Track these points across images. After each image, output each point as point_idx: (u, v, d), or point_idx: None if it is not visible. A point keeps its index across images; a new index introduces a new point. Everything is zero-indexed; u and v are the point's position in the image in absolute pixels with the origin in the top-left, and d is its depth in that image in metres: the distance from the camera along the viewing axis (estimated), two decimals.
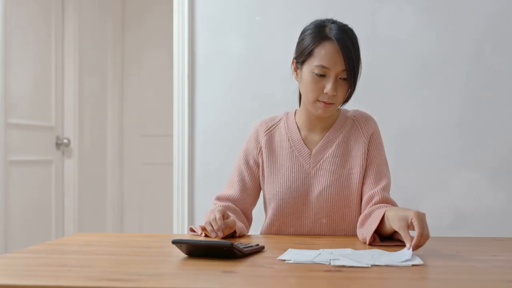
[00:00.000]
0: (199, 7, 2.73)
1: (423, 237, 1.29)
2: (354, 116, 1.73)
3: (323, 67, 1.57)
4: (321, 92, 1.59)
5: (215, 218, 1.48)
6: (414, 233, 1.32)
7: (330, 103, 1.60)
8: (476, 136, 2.55)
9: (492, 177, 2.54)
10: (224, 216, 1.51)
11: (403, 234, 1.34)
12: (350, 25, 1.64)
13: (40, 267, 1.20)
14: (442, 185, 2.56)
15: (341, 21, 1.64)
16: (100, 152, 4.16)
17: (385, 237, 1.48)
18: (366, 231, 1.49)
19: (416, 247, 1.29)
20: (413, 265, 1.18)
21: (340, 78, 1.58)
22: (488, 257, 1.31)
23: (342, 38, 1.57)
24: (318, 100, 1.60)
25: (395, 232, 1.44)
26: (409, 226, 1.34)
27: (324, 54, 1.57)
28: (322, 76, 1.58)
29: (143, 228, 4.29)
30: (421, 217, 1.32)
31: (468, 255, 1.34)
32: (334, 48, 1.57)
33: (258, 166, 1.74)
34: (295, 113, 1.77)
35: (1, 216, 3.08)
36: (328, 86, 1.57)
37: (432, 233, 1.54)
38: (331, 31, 1.58)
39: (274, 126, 1.76)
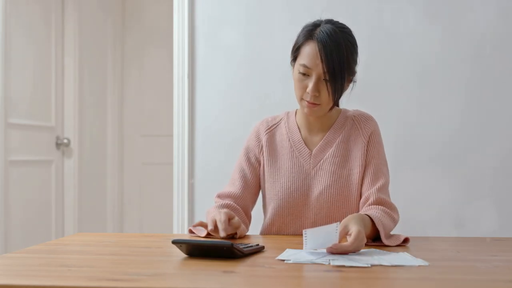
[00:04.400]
0: (199, 7, 2.73)
1: (347, 249, 1.27)
2: (354, 116, 1.73)
3: (305, 66, 1.58)
4: (304, 91, 1.60)
5: (221, 220, 1.48)
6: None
7: (313, 103, 1.60)
8: (476, 136, 2.55)
9: (492, 177, 2.54)
10: (230, 218, 1.51)
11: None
12: (348, 25, 1.64)
13: (40, 267, 1.20)
14: (442, 185, 2.55)
15: (339, 22, 1.64)
16: (100, 152, 4.16)
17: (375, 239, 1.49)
18: None
19: (334, 249, 1.26)
20: (409, 265, 1.18)
21: (324, 79, 1.58)
22: (488, 257, 1.31)
23: (324, 41, 1.56)
24: (303, 99, 1.61)
25: (378, 233, 1.46)
26: (346, 234, 1.33)
27: (307, 54, 1.58)
28: (306, 75, 1.59)
29: (143, 228, 4.29)
30: (358, 237, 1.29)
31: (468, 255, 1.34)
32: (315, 49, 1.57)
33: (260, 164, 1.74)
34: (295, 113, 1.77)
35: (1, 216, 3.07)
36: (310, 86, 1.58)
37: (433, 233, 1.54)
38: (320, 32, 1.58)
39: (275, 125, 1.76)
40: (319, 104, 1.60)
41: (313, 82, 1.57)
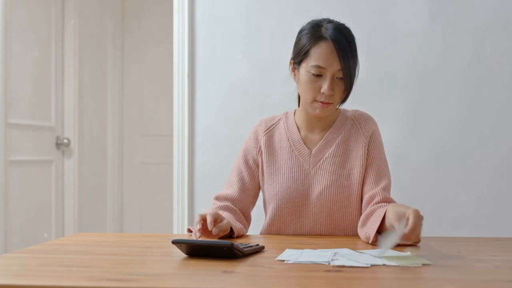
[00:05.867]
0: (199, 7, 2.73)
1: (414, 233, 1.31)
2: (353, 116, 1.73)
3: (319, 67, 1.57)
4: (318, 92, 1.59)
5: (209, 221, 1.45)
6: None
7: (327, 103, 1.60)
8: (476, 135, 2.55)
9: (492, 177, 2.54)
10: (217, 221, 1.49)
11: (396, 225, 1.36)
12: (348, 25, 1.64)
13: (40, 267, 1.20)
14: (442, 185, 2.56)
15: (338, 21, 1.64)
16: (100, 152, 4.16)
17: None
18: (368, 230, 1.49)
19: (404, 238, 1.30)
20: (413, 266, 1.18)
21: (336, 78, 1.58)
22: (488, 257, 1.31)
23: (337, 38, 1.56)
24: (316, 100, 1.61)
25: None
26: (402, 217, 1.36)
27: (319, 54, 1.57)
28: (319, 76, 1.58)
29: (143, 228, 4.29)
30: (418, 215, 1.34)
31: (468, 255, 1.34)
32: (330, 48, 1.57)
33: (258, 166, 1.74)
34: (294, 113, 1.77)
35: (1, 216, 3.07)
36: (325, 86, 1.57)
37: (433, 233, 1.54)
38: (327, 31, 1.58)
39: (273, 126, 1.76)
40: (332, 103, 1.61)
41: (328, 81, 1.57)
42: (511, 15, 2.55)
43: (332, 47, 1.56)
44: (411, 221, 1.32)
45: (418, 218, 1.33)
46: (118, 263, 1.25)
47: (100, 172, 4.15)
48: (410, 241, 1.34)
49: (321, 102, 1.60)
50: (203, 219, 1.47)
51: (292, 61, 1.67)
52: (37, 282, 1.04)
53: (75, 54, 3.78)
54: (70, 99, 3.78)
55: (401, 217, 1.36)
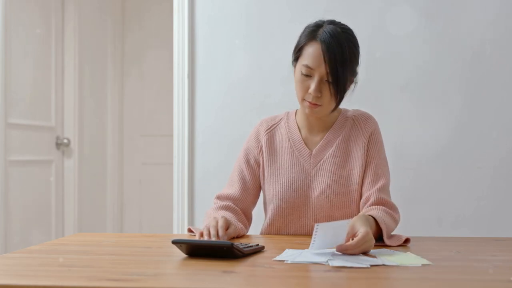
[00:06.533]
0: (199, 7, 2.73)
1: (349, 250, 1.27)
2: (354, 116, 1.72)
3: (308, 67, 1.58)
4: (306, 92, 1.60)
5: (218, 233, 1.46)
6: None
7: (315, 104, 1.59)
8: (476, 135, 2.55)
9: (492, 177, 2.54)
10: (226, 226, 1.50)
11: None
12: (351, 27, 1.64)
13: (40, 267, 1.20)
14: (442, 185, 2.56)
15: (342, 23, 1.64)
16: (100, 152, 4.16)
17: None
18: None
19: (341, 249, 1.27)
20: (413, 266, 1.18)
21: (326, 80, 1.58)
22: (488, 257, 1.31)
23: (328, 41, 1.56)
24: (305, 100, 1.61)
25: (381, 234, 1.45)
26: (354, 235, 1.32)
27: (309, 54, 1.58)
28: (308, 76, 1.59)
29: (143, 228, 4.29)
30: (365, 238, 1.29)
31: (468, 255, 1.34)
32: (318, 50, 1.57)
33: (259, 166, 1.74)
34: (295, 113, 1.77)
35: (1, 216, 3.07)
36: (312, 87, 1.57)
37: (433, 233, 1.54)
38: (322, 33, 1.58)
39: (274, 125, 1.76)
40: (321, 105, 1.60)
41: (316, 83, 1.57)
42: (511, 15, 2.55)
43: (320, 50, 1.56)
44: (355, 240, 1.27)
45: (363, 241, 1.28)
46: (118, 263, 1.25)
47: (100, 172, 4.15)
48: (344, 252, 1.28)
49: (309, 102, 1.60)
50: (217, 234, 1.46)
51: (292, 57, 1.68)
52: (37, 282, 1.04)
53: (75, 54, 3.78)
54: (70, 99, 3.79)
55: (353, 230, 1.33)
